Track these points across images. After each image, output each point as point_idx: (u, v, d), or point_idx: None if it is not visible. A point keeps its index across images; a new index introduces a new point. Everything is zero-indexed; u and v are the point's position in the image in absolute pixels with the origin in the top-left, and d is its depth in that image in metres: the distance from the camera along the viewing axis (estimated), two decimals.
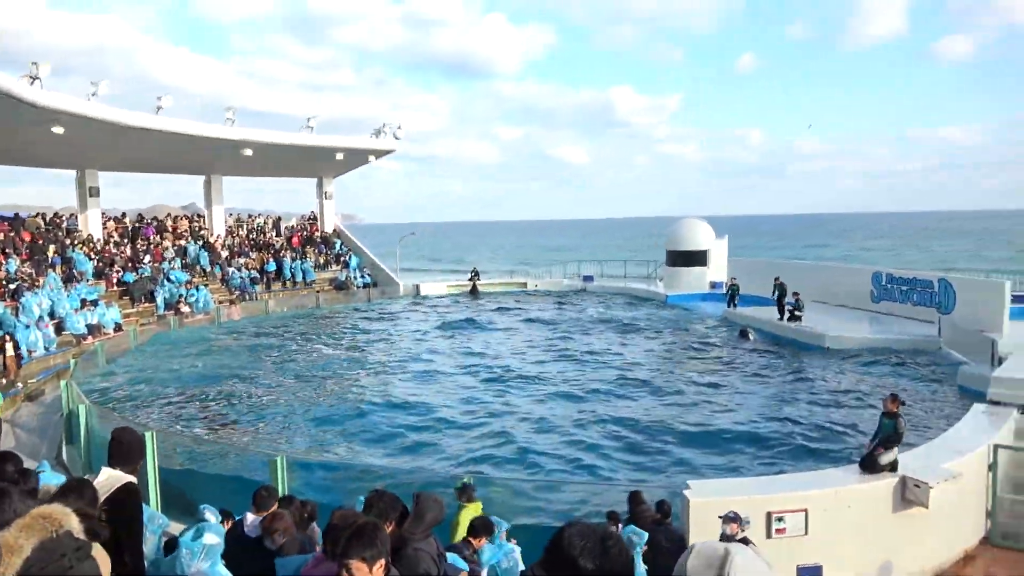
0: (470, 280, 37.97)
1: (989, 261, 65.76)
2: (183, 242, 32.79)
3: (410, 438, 13.35)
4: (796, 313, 23.19)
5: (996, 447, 9.44)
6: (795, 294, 23.49)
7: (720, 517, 6.94)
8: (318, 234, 39.02)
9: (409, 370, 19.33)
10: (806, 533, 7.85)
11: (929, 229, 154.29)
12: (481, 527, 6.04)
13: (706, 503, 7.59)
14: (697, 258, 34.10)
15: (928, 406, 14.35)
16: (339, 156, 34.28)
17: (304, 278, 34.32)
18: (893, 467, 8.42)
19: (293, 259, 34.86)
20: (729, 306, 27.42)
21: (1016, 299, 22.17)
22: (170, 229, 34.05)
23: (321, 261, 36.41)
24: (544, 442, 12.94)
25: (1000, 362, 14.05)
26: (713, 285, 32.76)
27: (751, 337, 22.90)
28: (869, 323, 23.32)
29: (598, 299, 33.95)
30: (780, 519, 7.78)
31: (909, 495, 8.29)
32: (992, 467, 9.34)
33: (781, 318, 23.59)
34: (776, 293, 24.11)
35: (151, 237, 32.37)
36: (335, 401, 16.02)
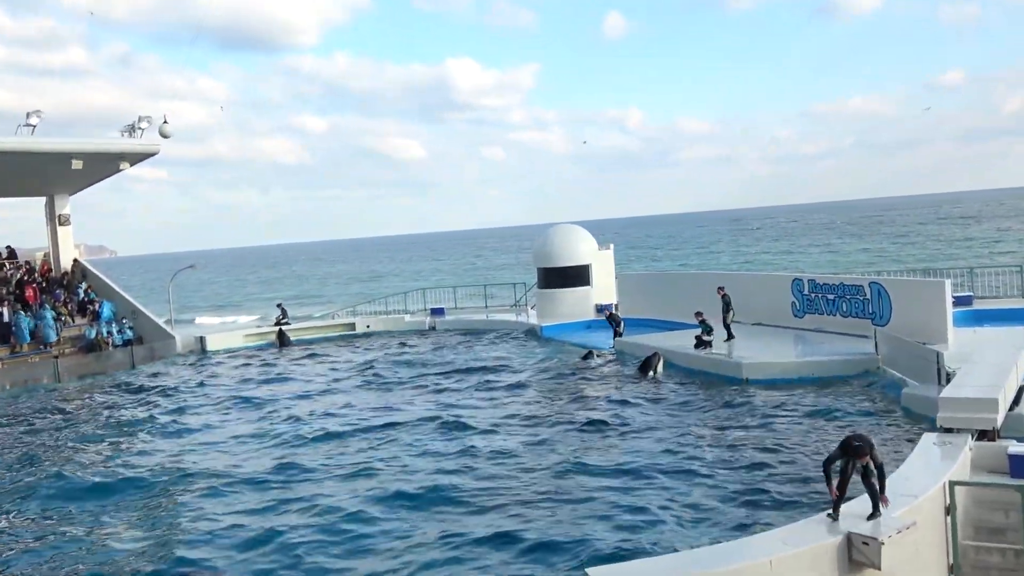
0: (276, 325, 37.05)
1: (912, 261, 72.58)
2: None
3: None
4: (704, 338, 24.18)
5: (952, 484, 10.14)
6: (698, 314, 24.50)
7: None
8: (50, 274, 36.76)
9: (194, 468, 18.30)
10: None
11: (844, 224, 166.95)
12: None
13: None
14: (577, 276, 34.96)
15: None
16: (77, 164, 32.38)
17: (45, 336, 32.24)
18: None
19: (17, 311, 32.59)
20: (613, 333, 28.29)
21: (958, 301, 24.27)
22: None
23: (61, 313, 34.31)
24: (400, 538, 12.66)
25: (948, 379, 15.18)
26: (599, 309, 33.71)
27: (653, 373, 23.35)
28: (793, 343, 24.75)
29: (452, 338, 34.05)
30: None
31: (857, 555, 8.71)
32: (950, 509, 10.02)
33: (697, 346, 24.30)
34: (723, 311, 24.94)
35: None
36: (78, 522, 14.99)
